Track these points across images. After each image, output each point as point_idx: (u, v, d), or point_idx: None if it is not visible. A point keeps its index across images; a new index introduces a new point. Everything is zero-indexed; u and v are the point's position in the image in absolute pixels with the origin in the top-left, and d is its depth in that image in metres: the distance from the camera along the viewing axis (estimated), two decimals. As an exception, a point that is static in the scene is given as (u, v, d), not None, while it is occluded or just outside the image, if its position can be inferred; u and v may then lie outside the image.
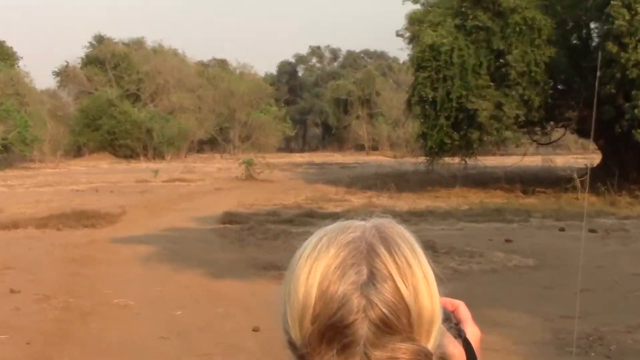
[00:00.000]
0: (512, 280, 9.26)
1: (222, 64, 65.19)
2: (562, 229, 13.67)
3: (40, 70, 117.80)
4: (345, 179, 27.28)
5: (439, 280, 0.91)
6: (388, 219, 0.94)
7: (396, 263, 0.86)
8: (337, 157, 48.73)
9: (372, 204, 18.46)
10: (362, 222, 0.93)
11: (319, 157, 49.45)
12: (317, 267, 0.87)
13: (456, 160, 24.78)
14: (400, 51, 73.98)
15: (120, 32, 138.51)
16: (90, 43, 56.60)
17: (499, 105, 20.95)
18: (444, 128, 21.60)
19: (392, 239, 0.89)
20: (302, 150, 63.53)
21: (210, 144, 56.06)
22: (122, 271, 10.21)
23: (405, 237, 0.91)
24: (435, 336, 0.88)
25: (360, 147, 57.48)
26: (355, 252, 0.87)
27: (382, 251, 0.87)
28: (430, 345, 0.87)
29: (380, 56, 74.55)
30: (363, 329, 0.84)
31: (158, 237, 13.15)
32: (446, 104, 21.39)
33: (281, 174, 31.20)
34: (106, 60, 52.70)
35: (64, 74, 54.53)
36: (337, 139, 62.31)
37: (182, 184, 26.48)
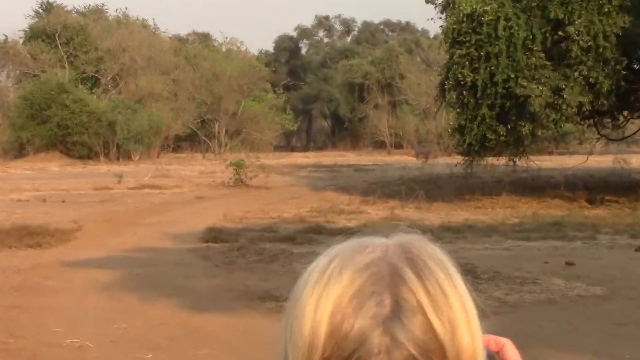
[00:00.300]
0: (575, 314, 9.23)
1: (204, 39, 65.46)
2: (638, 249, 13.64)
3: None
4: (361, 185, 27.31)
5: (482, 313, 0.91)
6: (416, 235, 0.94)
7: (427, 291, 0.87)
8: (350, 158, 48.81)
9: (396, 217, 18.46)
10: (384, 240, 0.93)
11: (328, 157, 49.51)
12: (327, 297, 0.87)
13: (502, 160, 24.75)
14: (431, 22, 73.99)
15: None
16: (35, 12, 56.99)
17: (557, 91, 20.90)
18: (487, 120, 21.57)
19: (422, 260, 0.89)
20: (305, 149, 63.68)
21: (189, 141, 56.23)
22: (76, 303, 10.21)
23: (439, 259, 0.91)
24: (477, 383, 0.88)
25: (379, 145, 57.55)
26: (376, 277, 0.88)
27: (410, 276, 0.87)
28: (471, 395, 0.88)
29: (404, 29, 74.74)
30: (386, 375, 0.84)
31: (122, 260, 13.15)
32: (489, 89, 21.35)
33: (279, 178, 31.23)
34: (56, 33, 52.85)
35: (1, 52, 54.76)
36: (351, 135, 62.42)
37: (153, 191, 26.53)
